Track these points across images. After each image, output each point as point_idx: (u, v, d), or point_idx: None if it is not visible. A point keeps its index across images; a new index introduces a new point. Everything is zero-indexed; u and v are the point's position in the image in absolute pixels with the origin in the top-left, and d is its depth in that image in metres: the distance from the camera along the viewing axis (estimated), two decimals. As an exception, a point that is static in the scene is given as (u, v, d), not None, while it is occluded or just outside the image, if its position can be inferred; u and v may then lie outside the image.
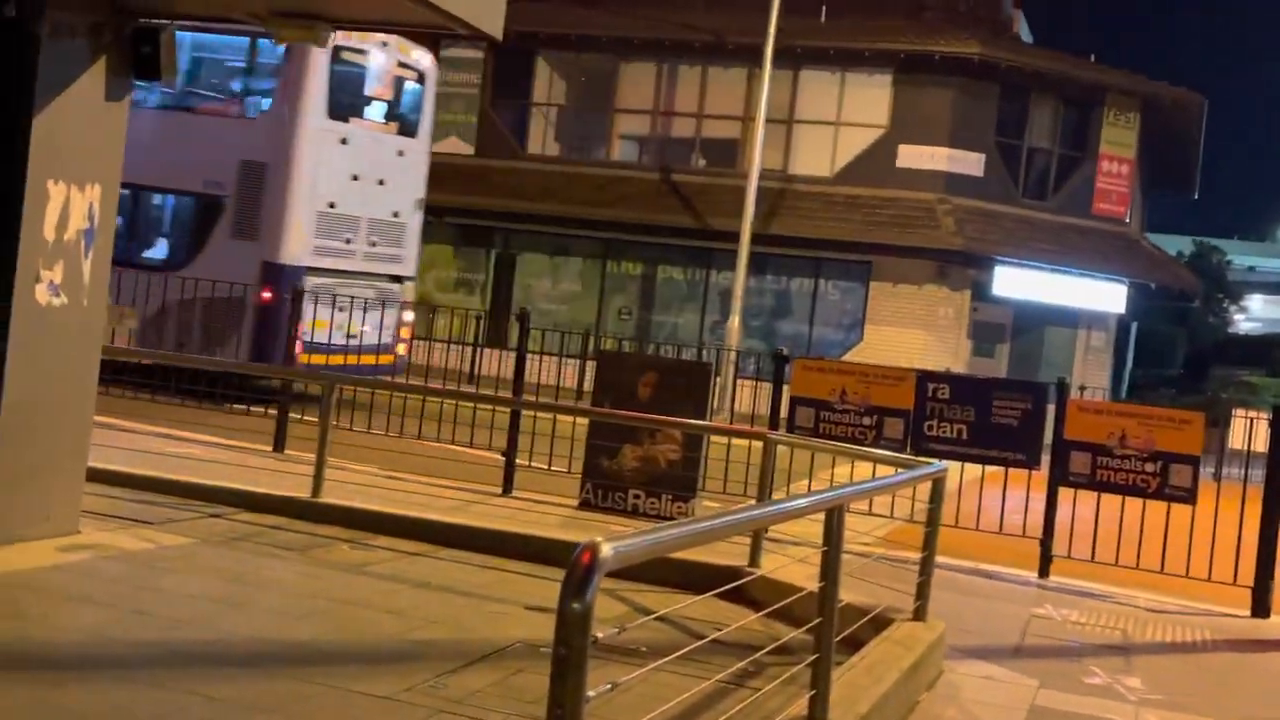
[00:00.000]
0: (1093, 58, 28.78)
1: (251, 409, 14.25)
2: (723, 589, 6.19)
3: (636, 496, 10.81)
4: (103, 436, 8.97)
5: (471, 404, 12.57)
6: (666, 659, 4.44)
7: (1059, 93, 27.95)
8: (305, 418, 12.65)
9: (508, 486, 11.42)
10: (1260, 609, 9.62)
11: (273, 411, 13.02)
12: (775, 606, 6.20)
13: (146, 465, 10.07)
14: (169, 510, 9.04)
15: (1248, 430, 11.39)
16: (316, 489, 9.54)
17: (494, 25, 7.71)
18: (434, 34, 8.06)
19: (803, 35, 26.94)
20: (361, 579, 7.82)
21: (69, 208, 7.47)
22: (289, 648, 6.18)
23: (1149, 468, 9.96)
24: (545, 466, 11.96)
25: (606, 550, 3.03)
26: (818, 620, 5.10)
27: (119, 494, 9.12)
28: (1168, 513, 10.05)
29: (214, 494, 9.59)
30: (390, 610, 7.06)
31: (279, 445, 12.51)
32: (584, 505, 10.93)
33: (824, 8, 29.09)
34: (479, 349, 21.81)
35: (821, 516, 5.16)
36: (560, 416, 12.44)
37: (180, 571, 7.41)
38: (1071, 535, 10.40)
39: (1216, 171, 63.56)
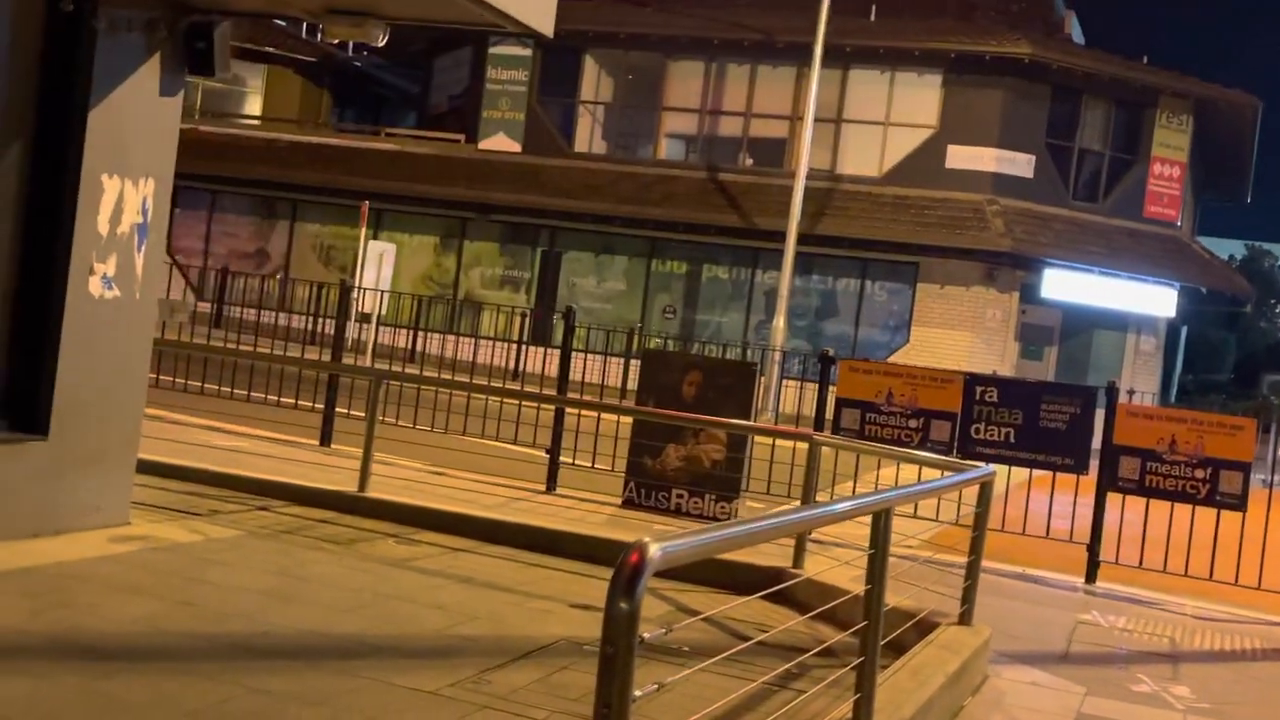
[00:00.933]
0: (1145, 59, 28.50)
1: (299, 403, 14.36)
2: (769, 591, 6.16)
3: (680, 496, 10.80)
4: (151, 428, 9.05)
5: (516, 401, 12.60)
6: (711, 660, 4.43)
7: (1111, 94, 27.69)
8: (352, 412, 12.72)
9: (551, 484, 11.44)
10: (1311, 619, 9.50)
11: (320, 406, 13.10)
12: (820, 610, 6.17)
13: (194, 457, 10.17)
14: (216, 503, 9.12)
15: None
16: (363, 484, 9.59)
17: (545, 23, 7.73)
18: (484, 31, 8.09)
19: (852, 34, 26.84)
20: (406, 574, 7.85)
21: (123, 201, 7.55)
22: (334, 641, 6.21)
23: (1199, 474, 9.85)
24: (589, 464, 11.97)
25: (654, 550, 3.02)
26: (863, 623, 5.06)
27: (168, 486, 9.22)
28: (1217, 519, 9.93)
29: (261, 487, 9.66)
30: (434, 605, 7.09)
31: (325, 439, 12.59)
32: (627, 504, 10.93)
33: (874, 7, 28.98)
34: (524, 346, 21.86)
35: (866, 519, 5.14)
36: (604, 415, 12.45)
37: (228, 564, 7.46)
38: (1119, 541, 10.30)
39: (1270, 175, 62.77)
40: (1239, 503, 9.75)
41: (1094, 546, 10.34)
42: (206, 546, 7.79)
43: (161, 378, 13.51)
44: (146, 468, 8.63)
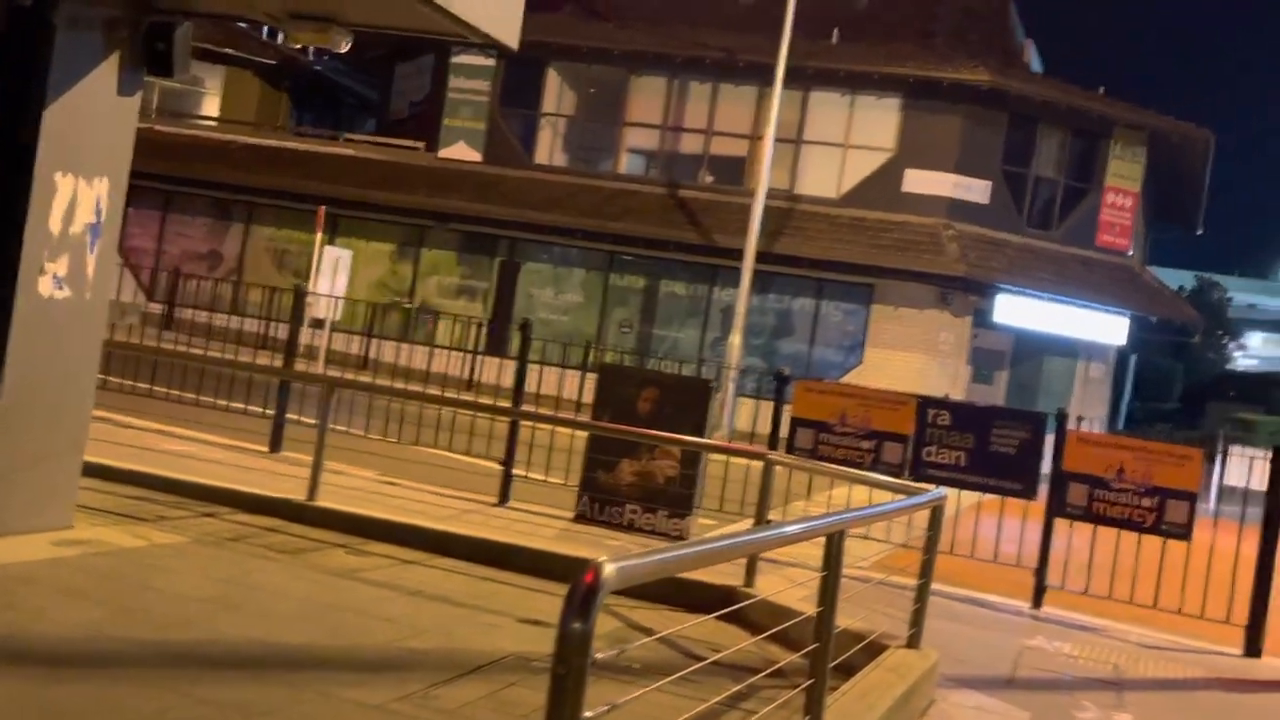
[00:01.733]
0: (1102, 90, 28.83)
1: (249, 408, 14.22)
2: (723, 612, 6.16)
3: (633, 511, 10.78)
4: (98, 431, 8.94)
5: (471, 412, 12.55)
6: (664, 680, 4.41)
7: (1067, 123, 27.99)
8: (303, 419, 12.62)
9: (504, 496, 11.39)
10: (1253, 648, 9.60)
11: (270, 411, 12.99)
12: (772, 631, 6.17)
13: (142, 461, 10.05)
14: (163, 508, 9.02)
15: (1245, 468, 11.38)
16: (312, 492, 9.52)
17: (510, 36, 7.72)
18: (447, 40, 8.06)
19: (814, 56, 27.00)
20: (355, 585, 7.79)
21: (76, 201, 7.46)
22: (281, 651, 6.15)
23: (1146, 502, 9.94)
24: (542, 477, 11.93)
25: (610, 570, 3.00)
26: (814, 645, 5.07)
27: (114, 490, 9.10)
28: (1163, 548, 10.03)
29: (209, 493, 9.57)
30: (383, 618, 7.03)
31: (275, 446, 12.48)
32: (580, 518, 10.90)
33: (836, 30, 29.15)
34: (479, 357, 21.79)
35: (818, 539, 5.14)
36: (559, 428, 12.42)
37: (173, 571, 7.38)
38: (1066, 567, 10.37)
39: (1221, 207, 63.64)
40: (1184, 532, 9.84)
41: (1041, 572, 10.40)
42: (152, 552, 7.69)
43: (110, 379, 13.37)
44: (93, 471, 8.52)
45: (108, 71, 7.55)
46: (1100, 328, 27.53)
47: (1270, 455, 9.80)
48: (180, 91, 33.68)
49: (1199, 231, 36.08)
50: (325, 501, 9.49)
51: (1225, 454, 22.75)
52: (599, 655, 3.05)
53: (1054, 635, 9.48)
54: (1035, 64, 33.47)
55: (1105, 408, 28.59)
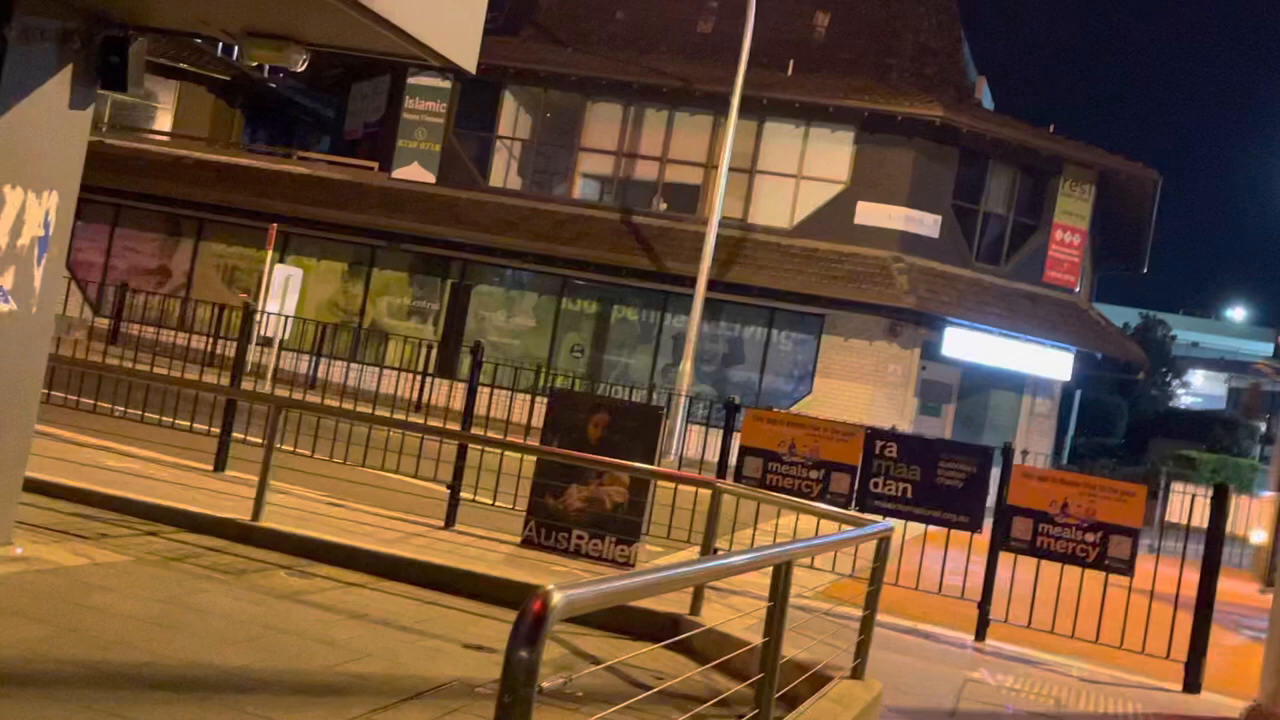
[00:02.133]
0: (1052, 128, 29.20)
1: (194, 426, 14.08)
2: (670, 641, 6.15)
3: (580, 537, 10.75)
4: (40, 446, 8.82)
5: (419, 434, 12.48)
6: (610, 709, 4.40)
7: (1017, 160, 28.32)
8: (249, 438, 12.50)
9: (450, 520, 11.33)
10: (1192, 684, 9.69)
11: (216, 430, 12.86)
12: (719, 661, 6.17)
13: (84, 478, 9.93)
14: (105, 526, 8.90)
15: (1186, 505, 11.50)
16: (257, 512, 9.43)
17: (468, 59, 7.72)
18: (405, 61, 8.02)
19: (769, 87, 27.21)
20: (298, 607, 7.71)
21: (24, 214, 7.37)
22: (222, 674, 6.08)
23: (1089, 537, 10.03)
24: (490, 502, 11.88)
25: (558, 599, 3.00)
26: (759, 675, 5.08)
27: (56, 506, 8.97)
28: (1105, 583, 10.12)
29: (152, 511, 9.45)
30: (326, 641, 6.97)
31: (220, 465, 12.36)
32: (526, 543, 10.86)
33: (791, 62, 29.38)
34: (429, 378, 21.69)
35: (764, 568, 5.15)
36: (507, 452, 12.37)
37: (114, 590, 7.28)
38: (1010, 600, 10.45)
39: (1166, 247, 64.59)
40: (1127, 567, 9.94)
41: (985, 605, 10.47)
42: (93, 571, 7.59)
43: (54, 394, 13.20)
44: (34, 486, 8.40)
45: (60, 85, 7.48)
46: (1046, 363, 27.82)
47: (1211, 493, 9.92)
48: (132, 105, 33.41)
49: (1144, 270, 36.56)
50: (270, 522, 9.40)
51: (1167, 490, 23.01)
52: (545, 684, 3.04)
53: (997, 668, 9.54)
54: (987, 101, 33.87)
55: (1050, 442, 28.84)
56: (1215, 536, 9.75)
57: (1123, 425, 49.34)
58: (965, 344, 26.86)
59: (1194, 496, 10.87)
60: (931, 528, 11.38)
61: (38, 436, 8.19)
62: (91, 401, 13.83)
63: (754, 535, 12.01)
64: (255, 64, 10.91)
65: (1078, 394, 36.12)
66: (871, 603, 7.26)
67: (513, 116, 30.43)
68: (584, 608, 3.21)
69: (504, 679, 2.92)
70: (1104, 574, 10.07)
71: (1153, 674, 9.92)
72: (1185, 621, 9.81)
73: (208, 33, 8.85)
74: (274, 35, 7.72)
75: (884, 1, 31.27)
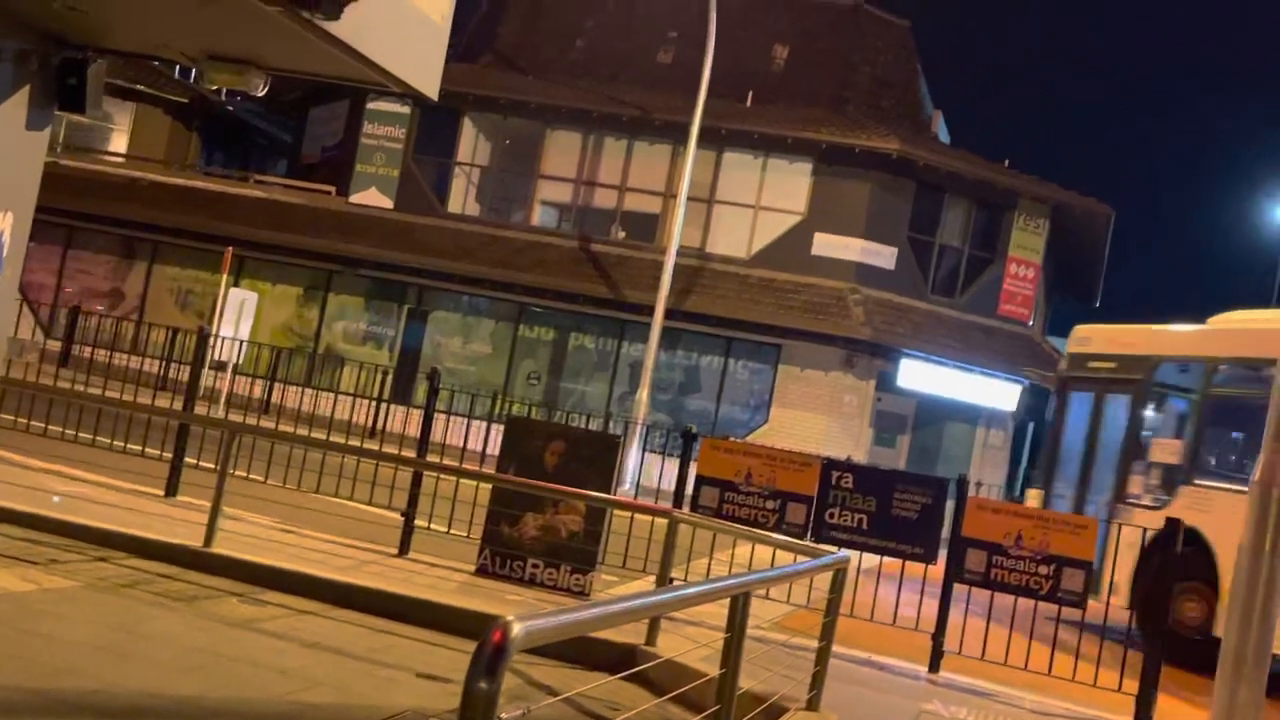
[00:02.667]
0: (1007, 162, 29.53)
1: (146, 451, 13.93)
2: (628, 673, 6.13)
3: (535, 566, 10.71)
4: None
5: (374, 461, 12.39)
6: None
7: (972, 194, 28.60)
8: (201, 463, 12.38)
9: (405, 548, 11.26)
10: (1143, 717, 9.75)
11: (168, 454, 12.72)
12: (675, 693, 6.15)
13: (33, 502, 9.80)
14: (54, 551, 8.79)
15: (1140, 538, 11.59)
16: (209, 538, 9.33)
17: (430, 85, 7.73)
18: (364, 87, 8.04)
19: (728, 118, 27.38)
20: (250, 635, 7.63)
21: (-22, 234, 7.30)
22: (172, 703, 6.00)
23: (1043, 570, 10.08)
24: (445, 529, 11.81)
25: (519, 629, 2.98)
26: (716, 707, 5.07)
27: (3, 531, 8.85)
28: (1058, 615, 10.18)
29: (102, 537, 9.34)
30: (278, 670, 6.90)
31: (171, 490, 12.22)
32: (481, 571, 10.80)
33: (750, 93, 29.57)
34: (385, 404, 21.58)
35: (722, 599, 5.15)
36: (463, 479, 12.31)
37: (63, 617, 7.18)
38: (964, 631, 10.48)
39: (1118, 281, 65.29)
40: (1080, 600, 9.99)
41: (938, 636, 10.49)
42: (41, 597, 7.48)
43: (3, 416, 13.03)
44: (-18, 511, 8.28)
45: (16, 105, 7.43)
46: (1000, 395, 28.03)
47: (1161, 529, 10.00)
48: (88, 126, 33.14)
49: (1097, 303, 36.97)
50: (222, 548, 9.31)
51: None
52: (504, 715, 3.02)
53: (950, 700, 9.56)
54: (943, 134, 34.22)
55: (1004, 473, 29.04)
56: (1168, 571, 9.82)
57: (1074, 458, 49.68)
58: (920, 375, 27.03)
59: (1144, 530, 10.97)
60: (887, 559, 11.41)
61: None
62: (42, 425, 13.65)
63: (710, 565, 11.99)
64: (215, 87, 10.85)
65: (1030, 426, 36.41)
66: (827, 634, 7.27)
67: (472, 143, 30.45)
68: (544, 638, 3.20)
69: (463, 710, 2.89)
70: (1057, 607, 10.13)
71: (1105, 707, 9.97)
72: (1136, 654, 9.87)
73: (167, 55, 8.83)
74: (235, 59, 7.71)
75: (842, 35, 31.58)
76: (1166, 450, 14.56)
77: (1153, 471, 14.61)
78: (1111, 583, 12.30)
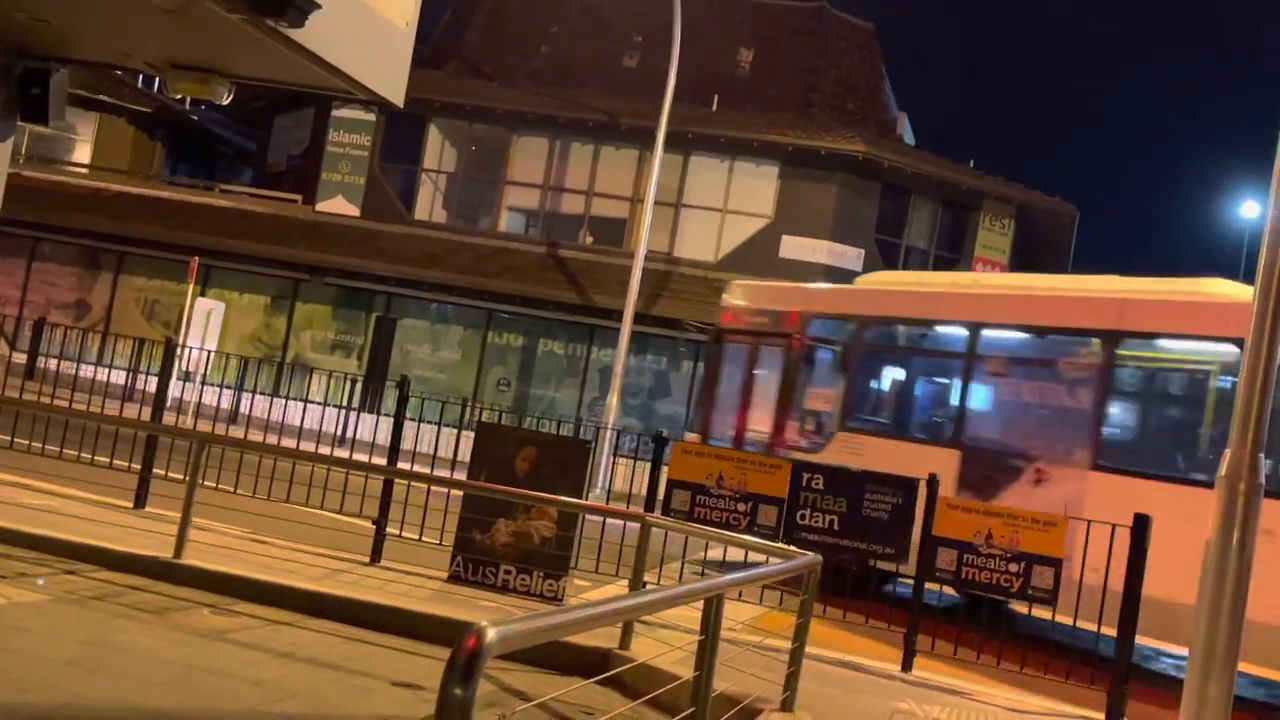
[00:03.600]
0: (972, 163, 29.71)
1: (114, 463, 13.83)
2: (602, 677, 6.13)
3: (508, 572, 10.69)
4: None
5: (344, 469, 12.35)
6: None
7: (938, 195, 28.75)
8: (170, 474, 12.31)
9: (376, 556, 11.22)
10: (1115, 713, 9.81)
11: (136, 466, 12.64)
12: (650, 696, 6.16)
13: (0, 516, 9.71)
14: (22, 564, 8.72)
15: (1109, 535, 11.68)
16: (179, 549, 9.28)
17: (396, 92, 7.72)
18: (331, 94, 8.02)
19: (694, 122, 27.41)
20: (222, 646, 7.59)
21: (-59, 247, 7.24)
22: (143, 716, 5.97)
23: (1013, 568, 10.14)
24: (416, 537, 11.78)
25: (492, 635, 2.98)
26: (690, 710, 5.08)
27: (-30, 545, 8.77)
28: (1029, 613, 10.23)
29: (70, 549, 9.27)
30: (251, 680, 6.86)
31: (140, 502, 12.14)
32: (453, 578, 10.77)
33: (716, 97, 29.63)
34: (354, 412, 21.50)
35: (695, 601, 5.16)
36: (434, 486, 12.27)
37: (31, 631, 7.12)
38: (935, 630, 10.52)
39: (1083, 280, 65.73)
40: (1050, 598, 10.05)
41: (911, 635, 10.53)
42: (9, 611, 7.42)
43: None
44: (-52, 526, 8.21)
45: (-22, 116, 7.37)
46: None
47: (1132, 525, 10.06)
48: (51, 137, 32.89)
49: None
50: (192, 559, 9.26)
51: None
52: (479, 722, 3.02)
53: (923, 698, 9.59)
54: (909, 136, 34.39)
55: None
56: (1135, 566, 9.89)
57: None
58: (889, 376, 27.13)
59: (1114, 527, 11.03)
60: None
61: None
62: (8, 438, 13.54)
63: (683, 568, 12.01)
64: (179, 96, 10.83)
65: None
66: (800, 634, 7.30)
67: (438, 150, 30.39)
68: (518, 643, 3.20)
69: (439, 717, 2.89)
70: (1028, 605, 10.18)
71: (1077, 703, 10.03)
72: (1106, 650, 9.94)
73: (131, 65, 8.78)
74: (199, 68, 7.67)
75: (806, 38, 31.70)
76: (820, 399, 15.66)
77: (807, 419, 15.64)
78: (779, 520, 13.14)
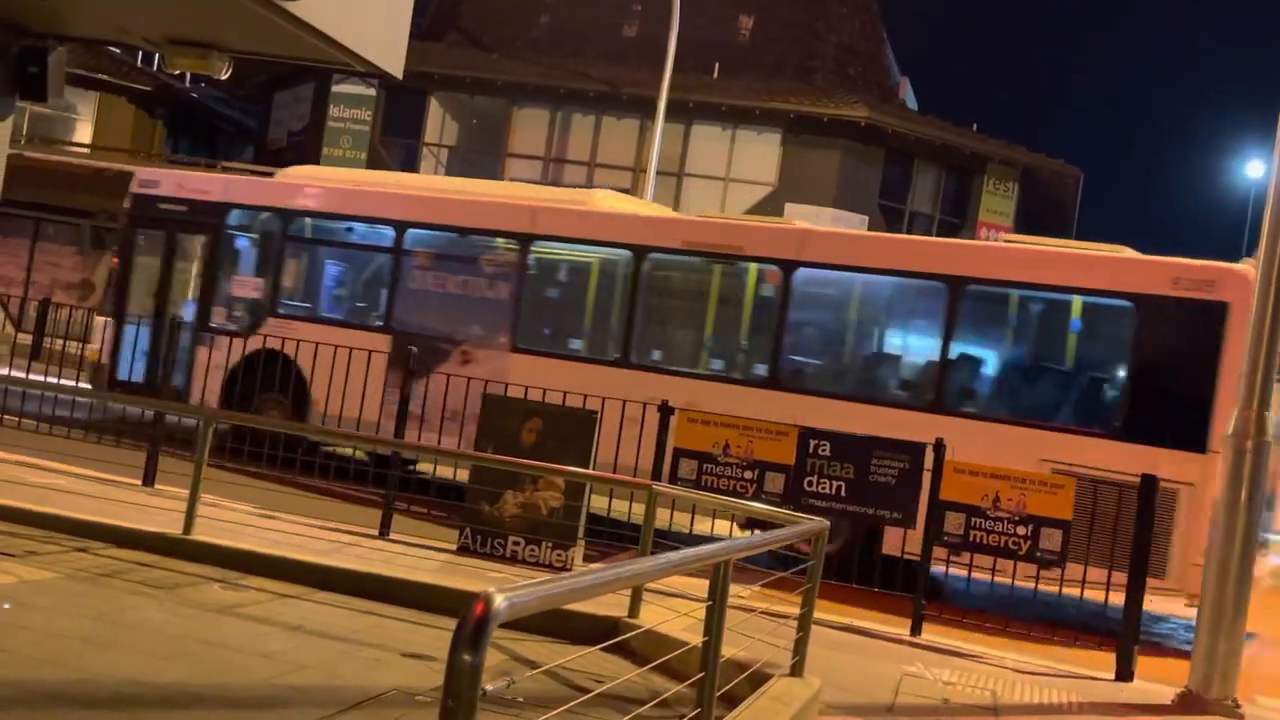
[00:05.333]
0: (975, 127, 29.58)
1: (122, 441, 13.88)
2: (610, 643, 6.15)
3: (516, 544, 10.72)
4: (-35, 464, 8.66)
5: (352, 444, 12.39)
6: (552, 713, 4.39)
7: (941, 159, 28.64)
8: (177, 451, 12.34)
9: (385, 529, 11.25)
10: (1124, 672, 9.84)
11: (144, 444, 12.67)
12: (659, 661, 6.18)
13: (9, 495, 9.74)
14: (32, 543, 8.75)
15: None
16: (188, 526, 9.30)
17: (395, 65, 7.69)
18: (330, 68, 7.99)
19: (695, 90, 27.30)
20: (232, 621, 7.62)
21: (-57, 227, 7.24)
22: (156, 690, 5.99)
23: (1021, 531, 10.15)
24: (425, 510, 11.81)
25: (500, 602, 2.99)
26: (700, 675, 5.09)
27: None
28: (1037, 575, 10.25)
29: (80, 527, 9.29)
30: (262, 654, 6.89)
31: (149, 479, 12.17)
32: (462, 550, 10.81)
33: (717, 65, 29.50)
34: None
35: (703, 567, 5.17)
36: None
37: (43, 608, 7.15)
38: (943, 593, 10.55)
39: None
40: (1058, 560, 10.06)
41: (919, 599, 10.56)
42: (21, 589, 7.45)
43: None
44: (-43, 505, 8.24)
45: (-23, 95, 7.36)
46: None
47: (1139, 484, 10.07)
48: (51, 117, 32.84)
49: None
50: (201, 535, 9.28)
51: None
52: (489, 686, 3.03)
53: (933, 662, 9.62)
54: (911, 101, 34.25)
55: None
56: (1143, 527, 9.90)
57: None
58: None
59: (1121, 489, 11.03)
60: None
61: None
62: (16, 418, 13.58)
63: (690, 537, 12.04)
64: (177, 72, 10.78)
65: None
66: (809, 599, 7.30)
67: (439, 123, 30.31)
68: (526, 610, 3.20)
69: (447, 683, 2.90)
70: (1036, 567, 10.20)
71: (1086, 664, 10.06)
72: (1115, 610, 9.96)
73: (129, 41, 8.75)
74: (197, 43, 7.65)
75: (806, 4, 31.52)
76: (249, 286, 16.25)
77: (236, 304, 16.24)
78: (203, 395, 14.65)
